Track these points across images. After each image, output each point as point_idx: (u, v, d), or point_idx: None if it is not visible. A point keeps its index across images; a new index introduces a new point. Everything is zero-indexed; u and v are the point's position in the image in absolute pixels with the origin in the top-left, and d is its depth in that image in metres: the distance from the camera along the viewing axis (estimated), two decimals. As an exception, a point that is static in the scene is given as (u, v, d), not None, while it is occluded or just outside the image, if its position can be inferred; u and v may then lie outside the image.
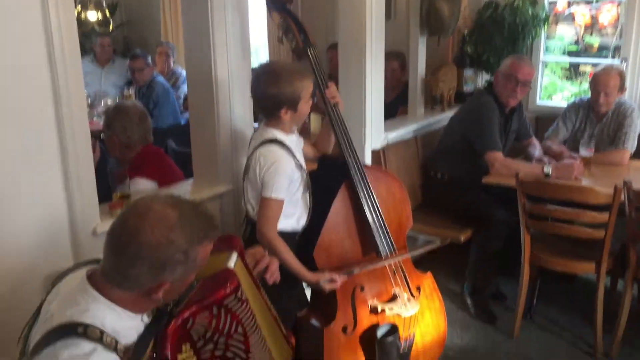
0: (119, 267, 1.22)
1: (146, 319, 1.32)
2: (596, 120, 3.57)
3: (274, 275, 1.70)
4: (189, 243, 1.22)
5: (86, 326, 1.19)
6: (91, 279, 1.27)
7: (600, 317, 2.92)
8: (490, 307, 3.33)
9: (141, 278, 1.22)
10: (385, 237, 2.26)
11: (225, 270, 1.40)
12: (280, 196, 2.08)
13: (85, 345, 1.18)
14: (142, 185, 2.63)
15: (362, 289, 2.26)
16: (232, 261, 1.45)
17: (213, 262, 1.40)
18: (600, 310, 2.92)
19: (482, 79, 4.46)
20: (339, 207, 2.24)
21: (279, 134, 2.14)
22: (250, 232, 2.24)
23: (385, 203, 2.32)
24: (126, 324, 1.26)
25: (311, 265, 2.35)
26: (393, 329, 2.26)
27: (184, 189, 2.70)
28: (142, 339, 1.26)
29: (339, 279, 2.16)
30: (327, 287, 2.15)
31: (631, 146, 3.42)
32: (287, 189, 2.10)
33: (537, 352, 2.99)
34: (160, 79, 4.83)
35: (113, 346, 1.20)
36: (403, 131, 3.68)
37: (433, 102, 4.19)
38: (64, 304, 1.26)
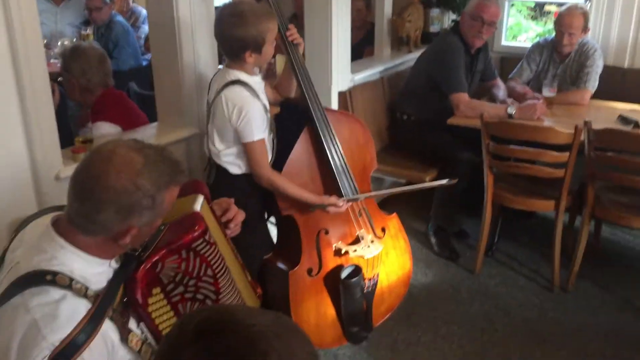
0: (84, 213, 1.21)
1: (114, 264, 1.31)
2: (559, 60, 3.59)
3: (237, 228, 1.70)
4: (156, 188, 1.21)
5: (55, 274, 1.19)
6: (56, 226, 1.25)
7: (558, 252, 3.03)
8: (453, 245, 3.43)
9: (108, 223, 1.20)
10: (348, 180, 2.28)
11: (193, 214, 1.40)
12: (261, 136, 2.11)
13: (55, 292, 1.18)
14: (105, 130, 2.58)
15: (327, 232, 2.29)
16: (199, 204, 1.45)
17: (179, 206, 1.39)
18: (558, 246, 3.03)
19: (449, 18, 4.42)
20: (301, 151, 2.24)
21: (242, 75, 2.11)
22: (215, 175, 2.24)
23: (348, 146, 2.33)
24: (95, 271, 1.26)
25: (275, 209, 2.37)
26: (357, 270, 2.31)
27: (148, 132, 2.65)
28: (112, 284, 1.26)
29: (342, 203, 2.22)
30: (332, 210, 2.21)
31: (592, 86, 3.47)
32: (262, 126, 2.11)
33: (497, 287, 3.11)
34: (120, 18, 4.65)
35: (83, 292, 1.20)
36: (369, 72, 3.65)
37: (399, 42, 4.14)
38: (29, 252, 1.24)
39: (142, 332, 1.31)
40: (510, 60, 4.11)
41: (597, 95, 3.52)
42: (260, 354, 0.70)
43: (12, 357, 1.14)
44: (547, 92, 3.39)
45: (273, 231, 2.54)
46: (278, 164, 2.21)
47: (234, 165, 2.18)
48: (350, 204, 2.27)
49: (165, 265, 1.30)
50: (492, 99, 3.54)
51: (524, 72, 3.69)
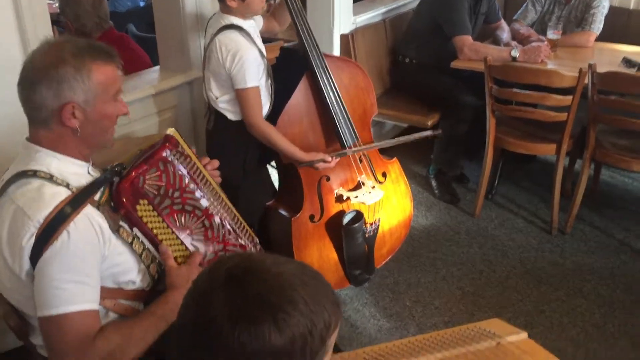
0: (27, 101, 1.28)
1: (94, 173, 1.38)
2: (564, 2, 3.52)
3: (214, 172, 1.72)
4: (78, 58, 1.26)
5: (35, 171, 1.27)
6: (29, 138, 1.33)
7: (558, 196, 3.07)
8: (454, 189, 3.46)
9: (45, 101, 1.25)
10: (348, 127, 2.28)
11: (164, 135, 1.47)
12: (255, 83, 2.08)
13: (36, 182, 1.25)
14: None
15: (328, 178, 2.32)
16: (169, 131, 1.50)
17: (152, 142, 1.47)
18: (557, 189, 3.06)
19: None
20: (300, 97, 2.23)
21: (236, 20, 2.08)
22: (214, 121, 2.24)
23: (348, 92, 2.32)
24: (70, 170, 1.32)
25: (275, 158, 2.39)
26: (359, 215, 2.35)
27: (150, 77, 2.64)
28: (93, 184, 1.33)
29: (332, 160, 2.22)
30: (322, 166, 2.22)
31: (597, 28, 3.41)
32: (257, 74, 2.08)
33: (496, 229, 3.17)
34: (116, -42, 4.53)
35: (64, 184, 1.28)
36: (372, 14, 3.58)
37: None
38: (11, 168, 1.33)
39: (138, 237, 1.38)
40: (515, 1, 4.02)
41: (601, 37, 3.46)
42: (288, 300, 0.73)
43: (4, 244, 1.23)
44: (552, 34, 3.33)
45: (274, 175, 2.57)
46: (277, 111, 2.20)
47: (231, 112, 2.17)
48: (339, 159, 2.26)
49: (147, 180, 1.37)
50: (496, 41, 3.49)
51: (528, 13, 3.62)
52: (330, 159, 2.20)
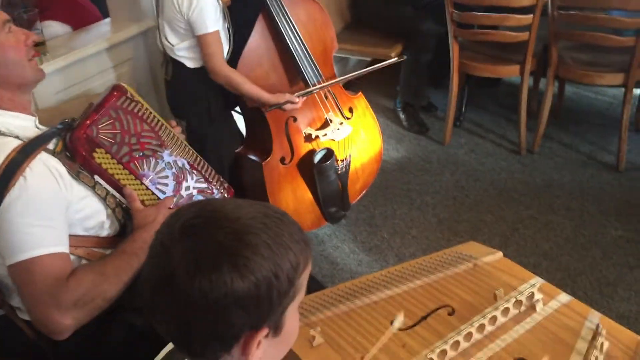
0: None
1: (43, 128, 1.36)
2: None
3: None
4: None
5: None
6: None
7: (524, 116, 3.09)
8: (422, 119, 3.46)
9: None
10: (310, 64, 2.24)
11: (111, 86, 1.44)
12: (215, 27, 2.02)
13: None
14: (55, 30, 2.46)
15: (295, 119, 2.29)
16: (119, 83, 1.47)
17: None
18: (523, 109, 3.09)
19: None
20: (258, 39, 2.17)
21: None
22: (173, 70, 2.18)
23: (306, 29, 2.26)
24: (16, 122, 1.30)
25: (240, 104, 2.35)
26: (329, 153, 2.34)
27: (102, 30, 2.53)
28: (46, 132, 1.31)
29: (298, 99, 2.19)
30: (289, 107, 2.18)
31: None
32: (216, 18, 2.02)
33: (466, 155, 3.20)
34: None
35: (13, 136, 1.26)
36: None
37: None
38: None
39: (100, 184, 1.37)
40: None
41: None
42: (249, 246, 0.71)
43: None
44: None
45: (240, 122, 2.53)
46: (236, 54, 2.14)
47: (190, 59, 2.10)
48: (305, 97, 2.23)
49: (100, 129, 1.36)
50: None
51: None
52: (297, 99, 2.17)
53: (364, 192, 2.69)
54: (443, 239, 2.61)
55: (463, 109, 3.47)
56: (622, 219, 2.65)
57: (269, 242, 0.72)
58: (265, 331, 0.73)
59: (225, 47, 2.13)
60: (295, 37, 2.19)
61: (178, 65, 2.12)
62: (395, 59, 2.31)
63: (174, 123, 1.66)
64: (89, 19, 2.62)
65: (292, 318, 0.78)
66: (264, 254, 0.71)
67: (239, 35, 2.15)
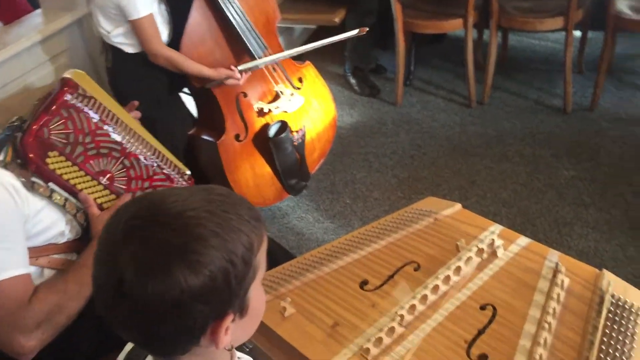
0: None
1: None
2: None
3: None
4: None
5: None
6: None
7: (472, 69, 3.13)
8: (373, 82, 3.47)
9: None
10: (254, 38, 2.21)
11: (59, 80, 1.38)
12: (148, 11, 1.96)
13: None
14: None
15: (245, 94, 2.26)
16: (67, 74, 1.41)
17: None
18: (470, 63, 3.12)
19: None
20: (198, 17, 2.12)
21: None
22: (113, 57, 2.12)
23: (246, 1, 2.22)
24: None
25: (187, 85, 2.30)
26: (284, 125, 2.33)
27: (34, 22, 2.42)
28: None
29: (242, 75, 2.15)
30: (231, 82, 2.14)
31: None
32: (148, 0, 1.95)
33: (419, 113, 3.23)
34: None
35: None
36: None
37: None
38: None
39: (57, 191, 1.33)
40: None
41: None
42: (197, 240, 0.67)
43: None
44: None
45: (191, 103, 2.49)
46: (178, 35, 2.09)
47: (128, 45, 2.04)
48: (249, 72, 2.19)
49: (52, 130, 1.30)
50: None
51: None
52: (238, 73, 2.14)
53: (322, 160, 2.69)
54: (404, 198, 2.64)
55: (412, 68, 3.49)
56: (573, 159, 2.73)
57: (217, 230, 0.69)
58: (230, 317, 0.72)
59: (165, 30, 2.08)
60: (235, 10, 2.15)
61: (117, 51, 2.06)
62: (357, 31, 2.25)
63: (135, 103, 1.60)
64: (19, 12, 2.52)
65: (256, 295, 0.76)
66: (214, 244, 0.68)
67: (179, 15, 2.10)
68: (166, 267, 0.66)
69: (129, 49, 2.05)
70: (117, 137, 1.43)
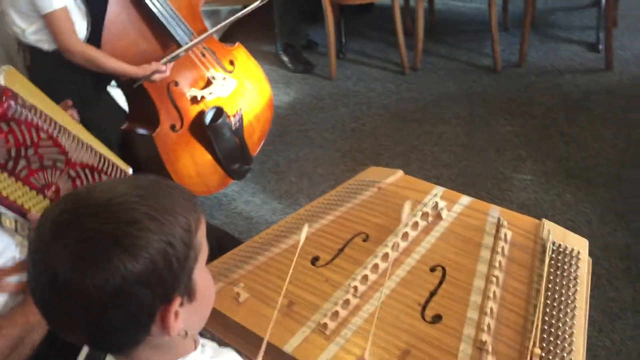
0: None
1: None
2: None
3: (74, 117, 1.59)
4: None
5: None
6: None
7: (402, 36, 3.15)
8: (306, 58, 3.45)
9: None
10: (179, 24, 2.15)
11: None
12: (61, 4, 1.87)
13: None
14: None
15: (176, 83, 2.20)
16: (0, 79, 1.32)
17: None
18: (400, 30, 3.14)
19: None
20: (116, 9, 2.03)
21: None
22: (30, 56, 2.02)
23: (167, -14, 2.15)
24: None
25: (114, 78, 2.23)
26: (219, 111, 2.29)
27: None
28: None
29: (165, 67, 2.08)
30: (157, 77, 2.08)
31: None
32: None
33: (355, 85, 3.24)
34: None
35: None
36: None
37: None
38: None
39: (5, 214, 1.26)
40: None
41: None
42: (131, 224, 0.66)
43: None
44: None
45: (120, 97, 2.41)
46: (99, 29, 2.01)
47: (46, 42, 1.95)
48: (173, 62, 2.13)
49: None
50: None
51: None
52: (164, 67, 2.07)
53: (262, 141, 2.66)
54: (349, 170, 2.66)
55: (343, 41, 3.49)
56: (507, 115, 2.81)
57: (151, 213, 0.67)
58: (178, 300, 0.71)
59: (83, 24, 1.99)
60: (155, -2, 2.08)
61: (35, 50, 1.96)
62: (258, 2, 2.23)
63: (69, 102, 1.53)
64: None
65: (203, 278, 0.76)
66: (150, 227, 0.67)
67: (97, 8, 2.01)
68: (101, 255, 0.65)
69: (47, 46, 1.96)
70: (61, 146, 1.35)
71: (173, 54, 2.10)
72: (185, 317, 0.73)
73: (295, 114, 3.09)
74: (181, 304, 0.72)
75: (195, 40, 2.16)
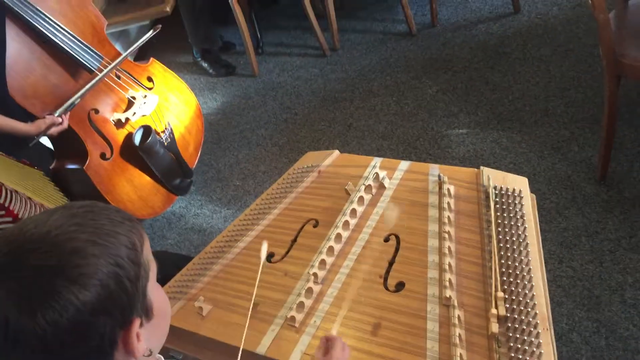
0: None
1: None
2: None
3: None
4: None
5: None
6: None
7: (314, 19, 3.14)
8: (225, 60, 3.41)
9: None
10: (86, 51, 2.08)
11: None
12: None
13: None
14: None
15: (97, 111, 2.14)
16: None
17: None
18: (311, 14, 3.13)
19: None
20: (17, 46, 1.95)
21: None
22: None
23: (64, 15, 2.07)
24: None
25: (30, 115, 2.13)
26: (147, 130, 2.24)
27: None
28: None
29: (63, 117, 1.99)
30: (54, 131, 1.97)
31: None
32: None
33: (280, 76, 3.22)
34: None
35: None
36: None
37: None
38: None
39: None
40: None
41: None
42: (74, 254, 0.64)
43: None
44: None
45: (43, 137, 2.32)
46: (2, 71, 1.92)
47: None
48: (68, 112, 2.02)
49: None
50: None
51: None
52: (59, 119, 1.96)
53: (199, 152, 2.62)
54: (290, 162, 2.65)
55: (259, 36, 3.46)
56: (431, 75, 2.85)
57: (92, 239, 0.66)
58: (137, 322, 0.69)
59: None
60: (55, 28, 2.00)
61: None
62: (152, 31, 2.21)
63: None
64: None
65: (156, 294, 0.75)
66: (95, 252, 0.65)
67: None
68: (50, 291, 0.62)
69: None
70: (12, 215, 1.30)
71: (67, 103, 1.98)
72: (147, 336, 0.72)
73: (227, 118, 3.05)
74: (141, 325, 0.70)
75: (105, 71, 2.09)
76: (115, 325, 0.67)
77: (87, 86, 2.05)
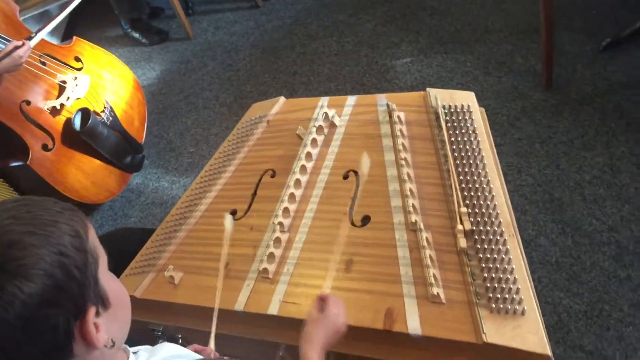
0: None
1: None
2: None
3: None
4: None
5: None
6: None
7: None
8: (156, 27, 3.28)
9: None
10: (1, 41, 1.96)
11: None
12: None
13: None
14: None
15: (28, 102, 2.03)
16: None
17: None
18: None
19: None
20: None
21: None
22: None
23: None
24: None
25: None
26: (85, 112, 2.14)
27: None
28: None
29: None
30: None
31: None
32: None
33: (216, 35, 3.13)
34: None
35: None
36: None
37: None
38: None
39: None
40: None
41: None
42: (13, 246, 0.61)
43: None
44: None
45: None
46: None
47: None
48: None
49: None
50: None
51: None
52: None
53: (145, 125, 2.54)
54: (238, 115, 2.59)
55: (190, 3, 3.34)
56: (368, 10, 2.81)
57: (29, 230, 0.63)
58: (92, 310, 0.66)
59: None
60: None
61: None
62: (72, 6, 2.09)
63: None
64: None
65: (110, 282, 0.72)
66: (33, 243, 0.62)
67: None
68: None
69: None
70: None
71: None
72: (107, 326, 0.69)
73: (169, 86, 2.96)
74: (97, 314, 0.68)
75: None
76: (68, 316, 0.64)
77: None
